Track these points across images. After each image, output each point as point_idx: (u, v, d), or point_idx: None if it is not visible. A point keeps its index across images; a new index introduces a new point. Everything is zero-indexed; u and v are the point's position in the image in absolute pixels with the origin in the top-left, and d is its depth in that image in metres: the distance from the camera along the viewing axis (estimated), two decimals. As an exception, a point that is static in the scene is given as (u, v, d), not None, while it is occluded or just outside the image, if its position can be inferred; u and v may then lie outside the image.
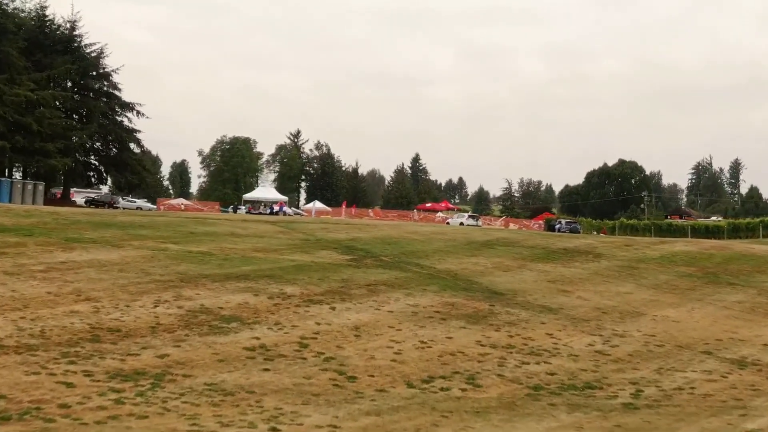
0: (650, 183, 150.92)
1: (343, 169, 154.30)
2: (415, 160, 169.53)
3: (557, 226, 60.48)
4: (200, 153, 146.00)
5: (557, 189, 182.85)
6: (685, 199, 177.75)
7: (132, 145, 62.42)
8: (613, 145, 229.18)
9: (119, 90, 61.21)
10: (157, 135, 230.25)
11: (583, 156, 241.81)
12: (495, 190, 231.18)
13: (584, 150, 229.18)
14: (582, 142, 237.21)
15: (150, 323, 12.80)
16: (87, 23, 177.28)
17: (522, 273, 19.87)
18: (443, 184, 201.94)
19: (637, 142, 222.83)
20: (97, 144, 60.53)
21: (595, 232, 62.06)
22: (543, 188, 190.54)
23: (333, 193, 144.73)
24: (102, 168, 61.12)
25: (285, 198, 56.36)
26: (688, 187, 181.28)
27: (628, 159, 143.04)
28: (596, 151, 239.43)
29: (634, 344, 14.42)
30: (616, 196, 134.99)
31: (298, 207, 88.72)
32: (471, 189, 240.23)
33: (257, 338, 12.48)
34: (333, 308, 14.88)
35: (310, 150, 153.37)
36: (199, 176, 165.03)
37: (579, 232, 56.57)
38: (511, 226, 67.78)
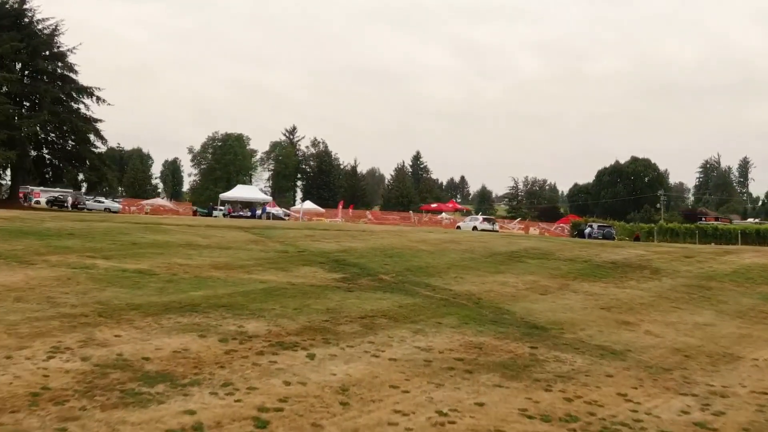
0: (665, 181, 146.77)
1: (342, 167, 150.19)
2: (416, 158, 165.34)
3: (588, 231, 54.63)
4: (191, 150, 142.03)
5: (561, 188, 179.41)
6: (692, 198, 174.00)
7: (92, 138, 55.74)
8: (612, 143, 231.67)
9: (76, 73, 55.37)
10: (149, 133, 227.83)
11: (582, 155, 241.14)
12: (498, 189, 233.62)
13: (582, 149, 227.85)
14: (577, 140, 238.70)
15: (32, 388, 8.58)
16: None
17: (565, 296, 15.65)
18: (444, 183, 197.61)
19: (637, 140, 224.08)
20: (52, 136, 54.92)
21: (627, 238, 56.89)
22: (548, 187, 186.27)
23: (330, 192, 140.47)
24: (58, 163, 55.23)
25: (268, 198, 50.21)
26: (695, 186, 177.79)
27: (640, 156, 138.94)
28: (595, 150, 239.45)
29: (744, 410, 10.18)
30: (628, 194, 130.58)
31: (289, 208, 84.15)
32: (472, 188, 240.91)
33: (191, 413, 8.23)
34: (311, 356, 10.66)
35: (307, 147, 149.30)
36: (189, 175, 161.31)
37: (614, 238, 51.80)
38: (532, 230, 61.91)
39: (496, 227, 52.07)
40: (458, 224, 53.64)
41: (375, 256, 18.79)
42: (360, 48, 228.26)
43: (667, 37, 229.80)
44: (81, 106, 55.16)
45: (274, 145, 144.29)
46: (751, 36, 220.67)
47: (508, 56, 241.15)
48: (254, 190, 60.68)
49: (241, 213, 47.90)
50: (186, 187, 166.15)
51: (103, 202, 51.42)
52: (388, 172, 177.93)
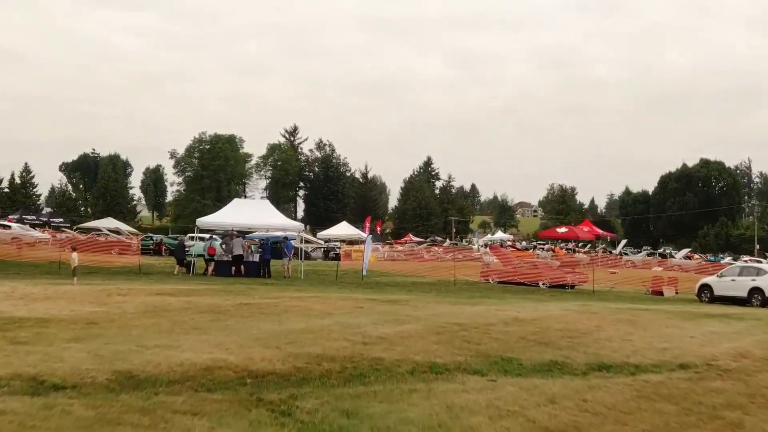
0: (740, 189, 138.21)
1: (349, 174, 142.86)
2: (427, 164, 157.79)
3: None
4: (173, 155, 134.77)
5: (580, 198, 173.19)
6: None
7: None
8: (617, 150, 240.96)
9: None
10: (135, 140, 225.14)
11: (590, 163, 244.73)
12: (514, 196, 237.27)
13: (590, 156, 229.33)
14: (583, 148, 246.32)
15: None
16: None
17: None
18: (454, 191, 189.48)
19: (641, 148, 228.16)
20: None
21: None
22: (577, 194, 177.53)
23: (339, 204, 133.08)
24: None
25: (294, 226, 31.33)
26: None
27: (712, 159, 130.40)
28: (605, 158, 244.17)
29: None
30: (699, 204, 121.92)
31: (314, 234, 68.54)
32: (483, 196, 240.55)
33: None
34: None
35: (311, 151, 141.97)
36: (172, 184, 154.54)
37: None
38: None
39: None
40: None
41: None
42: (357, 58, 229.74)
43: (658, 45, 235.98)
44: None
45: (273, 149, 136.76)
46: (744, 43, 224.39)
47: (509, 65, 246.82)
48: (265, 208, 31.36)
49: (238, 251, 28.15)
50: (170, 197, 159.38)
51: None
52: (389, 183, 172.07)
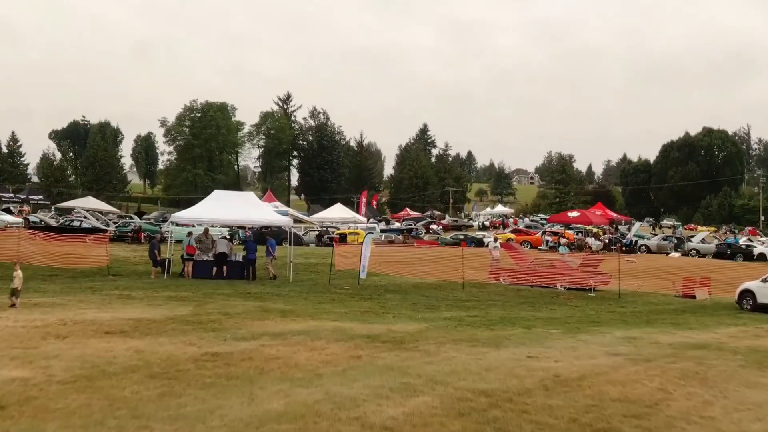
0: (743, 158, 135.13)
1: (344, 143, 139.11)
2: (423, 131, 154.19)
3: None
4: (163, 123, 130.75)
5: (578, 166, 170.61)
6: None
7: None
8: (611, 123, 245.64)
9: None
10: (126, 107, 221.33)
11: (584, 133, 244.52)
12: (510, 163, 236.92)
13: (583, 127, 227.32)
14: (578, 119, 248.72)
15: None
16: None
17: None
18: (450, 159, 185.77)
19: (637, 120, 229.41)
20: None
21: None
22: (575, 162, 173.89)
23: (334, 173, 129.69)
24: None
25: (279, 219, 27.76)
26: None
27: (715, 127, 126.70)
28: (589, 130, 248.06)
29: None
30: (702, 174, 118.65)
31: (308, 206, 66.00)
32: (479, 164, 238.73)
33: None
34: None
35: (304, 119, 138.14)
36: (162, 153, 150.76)
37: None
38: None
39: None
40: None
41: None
42: (348, 29, 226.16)
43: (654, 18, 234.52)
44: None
45: (266, 117, 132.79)
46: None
47: (504, 36, 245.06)
48: (250, 201, 27.42)
49: (221, 249, 25.05)
50: (162, 166, 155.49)
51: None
52: (385, 151, 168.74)
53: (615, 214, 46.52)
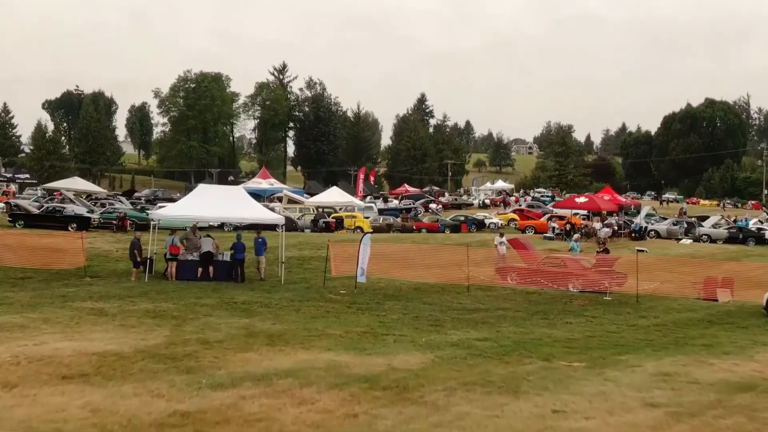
0: (747, 128, 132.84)
1: (341, 113, 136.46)
2: (421, 101, 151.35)
3: None
4: (157, 94, 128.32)
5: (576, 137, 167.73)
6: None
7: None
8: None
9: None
10: (120, 75, 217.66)
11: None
12: (509, 134, 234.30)
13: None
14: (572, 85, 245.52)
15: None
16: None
17: None
18: (448, 130, 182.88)
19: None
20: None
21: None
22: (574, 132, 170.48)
23: (330, 145, 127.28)
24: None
25: (270, 217, 26.04)
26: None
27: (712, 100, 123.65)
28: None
29: None
30: (706, 146, 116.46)
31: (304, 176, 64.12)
32: (478, 133, 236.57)
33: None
34: None
35: (300, 90, 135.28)
36: (156, 125, 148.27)
37: None
38: None
39: None
40: None
41: None
42: None
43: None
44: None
45: (261, 87, 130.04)
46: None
47: (501, 2, 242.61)
48: (238, 197, 24.97)
49: (206, 248, 22.93)
50: (156, 136, 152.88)
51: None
52: (382, 121, 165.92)
53: (624, 199, 44.56)
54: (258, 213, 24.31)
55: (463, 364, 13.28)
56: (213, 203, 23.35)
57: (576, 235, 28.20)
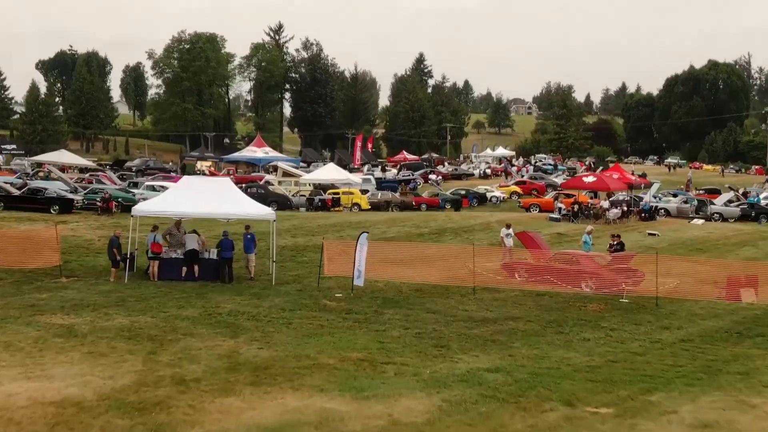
0: (750, 90, 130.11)
1: (338, 74, 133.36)
2: (419, 61, 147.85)
3: None
4: (151, 55, 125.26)
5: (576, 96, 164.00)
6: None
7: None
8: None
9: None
10: (109, 33, 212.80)
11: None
12: (508, 93, 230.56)
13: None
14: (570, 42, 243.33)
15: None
16: None
17: None
18: (447, 90, 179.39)
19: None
20: None
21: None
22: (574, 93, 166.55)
23: (327, 107, 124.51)
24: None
25: (261, 212, 22.67)
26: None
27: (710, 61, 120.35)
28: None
29: None
30: (709, 109, 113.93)
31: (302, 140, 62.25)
32: (477, 92, 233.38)
33: None
34: None
35: (297, 51, 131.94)
36: (150, 86, 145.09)
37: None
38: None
39: None
40: None
41: None
42: None
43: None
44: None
45: (256, 48, 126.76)
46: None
47: None
48: (226, 191, 23.03)
49: (191, 246, 21.29)
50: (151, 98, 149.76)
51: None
52: (380, 80, 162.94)
53: (634, 178, 42.57)
54: (247, 208, 22.34)
55: (474, 413, 11.52)
56: (198, 197, 21.41)
57: (589, 227, 26.28)
